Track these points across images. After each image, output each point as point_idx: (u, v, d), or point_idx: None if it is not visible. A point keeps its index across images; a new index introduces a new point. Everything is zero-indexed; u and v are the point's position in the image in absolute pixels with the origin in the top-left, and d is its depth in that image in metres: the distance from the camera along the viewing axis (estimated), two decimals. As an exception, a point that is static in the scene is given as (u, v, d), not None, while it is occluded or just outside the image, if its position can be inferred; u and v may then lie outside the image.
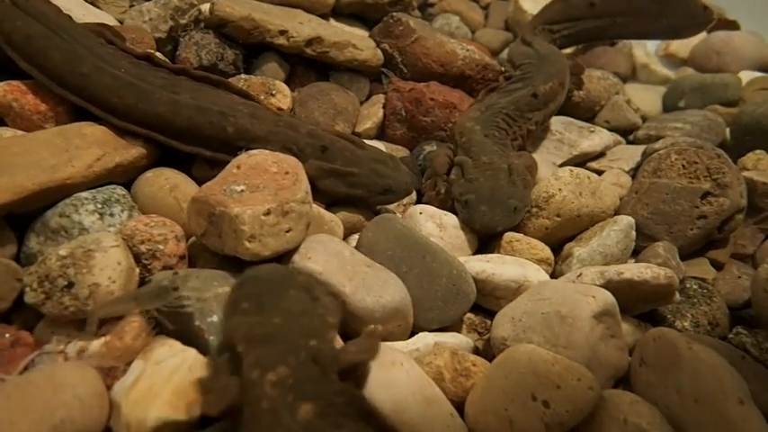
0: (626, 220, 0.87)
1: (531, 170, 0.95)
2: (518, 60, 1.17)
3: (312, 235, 0.73)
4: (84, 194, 0.71)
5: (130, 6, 1.14)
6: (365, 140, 1.10)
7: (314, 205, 0.77)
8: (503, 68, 1.23)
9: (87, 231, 0.68)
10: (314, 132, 0.85)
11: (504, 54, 1.49)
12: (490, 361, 0.69)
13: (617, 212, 0.94)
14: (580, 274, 0.77)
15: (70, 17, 0.90)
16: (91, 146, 0.75)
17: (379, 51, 1.21)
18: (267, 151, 0.73)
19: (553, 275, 0.87)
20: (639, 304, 0.77)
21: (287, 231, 0.67)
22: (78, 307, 0.58)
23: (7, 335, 0.57)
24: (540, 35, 1.28)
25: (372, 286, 0.69)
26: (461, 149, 0.96)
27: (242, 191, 0.67)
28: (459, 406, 0.65)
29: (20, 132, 0.77)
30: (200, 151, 0.81)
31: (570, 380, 0.60)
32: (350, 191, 0.84)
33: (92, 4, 1.11)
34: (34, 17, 0.83)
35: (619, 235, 0.86)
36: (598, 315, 0.68)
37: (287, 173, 0.70)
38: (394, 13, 1.24)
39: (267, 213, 0.65)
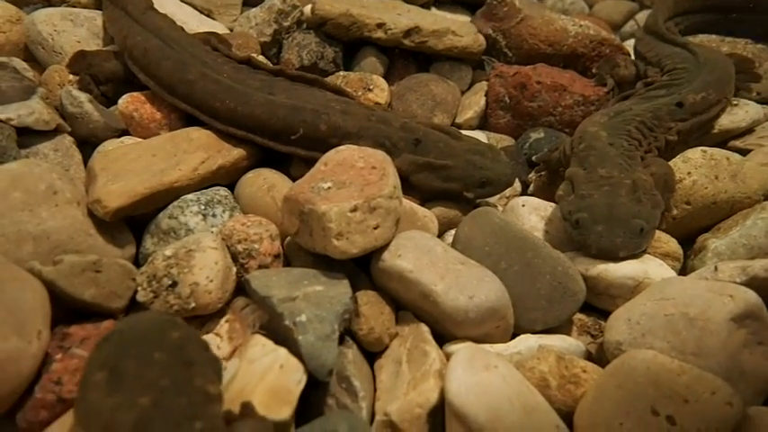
0: (777, 207, 0.73)
1: (665, 179, 0.78)
2: (668, 64, 1.00)
3: (403, 231, 0.71)
4: (189, 197, 0.75)
5: (241, 14, 1.20)
6: (466, 131, 1.06)
7: (406, 201, 0.75)
8: (625, 47, 1.10)
9: (192, 232, 0.72)
10: (407, 125, 0.82)
11: (628, 27, 1.34)
12: (605, 367, 0.62)
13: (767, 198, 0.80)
14: (715, 269, 0.66)
15: (182, 28, 0.96)
16: (197, 150, 0.79)
17: (481, 36, 1.15)
18: (355, 147, 0.72)
19: (683, 272, 0.76)
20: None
21: (375, 228, 0.66)
22: (181, 305, 0.62)
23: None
24: (671, 32, 1.10)
25: (466, 285, 0.64)
26: (576, 159, 0.81)
27: (329, 188, 0.66)
28: (568, 417, 0.59)
29: (139, 139, 0.84)
30: (295, 150, 0.82)
31: (702, 393, 0.52)
32: (444, 184, 0.80)
33: (207, 15, 1.19)
34: (151, 31, 0.91)
35: (769, 224, 0.72)
36: (738, 318, 0.58)
37: (374, 168, 0.68)
38: (498, -6, 1.17)
39: (354, 210, 0.64)
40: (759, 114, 0.96)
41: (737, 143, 0.95)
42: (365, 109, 0.84)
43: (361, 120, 0.81)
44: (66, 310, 0.63)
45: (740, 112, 0.96)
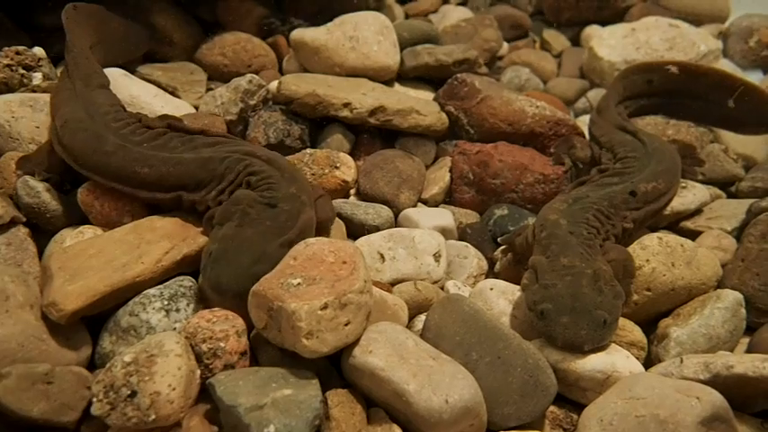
0: (732, 297, 0.76)
1: (625, 266, 0.79)
2: (620, 152, 1.04)
3: (374, 324, 0.70)
4: (152, 291, 0.72)
5: (207, 91, 1.21)
6: (432, 207, 1.08)
7: (376, 290, 0.74)
8: (582, 132, 1.15)
9: (154, 330, 0.69)
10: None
11: (580, 104, 1.42)
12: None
13: (720, 283, 0.83)
14: (681, 362, 0.67)
15: (124, 108, 0.94)
16: (161, 239, 0.77)
17: (444, 115, 1.18)
18: (325, 239, 0.72)
19: (648, 358, 0.77)
20: (760, 400, 0.66)
21: (346, 324, 0.65)
22: (140, 418, 0.58)
23: (74, 450, 0.57)
24: (622, 117, 1.16)
25: (439, 384, 0.63)
26: (539, 247, 0.82)
27: (299, 284, 0.65)
28: None
29: (99, 231, 0.81)
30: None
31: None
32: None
33: (171, 93, 1.19)
34: (84, 105, 0.89)
35: (725, 314, 0.75)
36: (706, 421, 0.59)
37: (344, 262, 0.68)
38: (458, 75, 1.22)
39: (324, 307, 0.63)
40: (706, 196, 1.02)
41: (688, 224, 0.99)
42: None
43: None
44: (10, 427, 0.58)
45: (689, 195, 1.00)
